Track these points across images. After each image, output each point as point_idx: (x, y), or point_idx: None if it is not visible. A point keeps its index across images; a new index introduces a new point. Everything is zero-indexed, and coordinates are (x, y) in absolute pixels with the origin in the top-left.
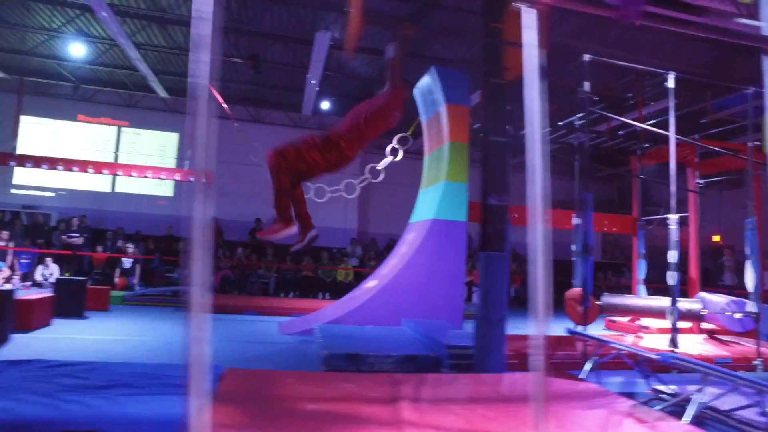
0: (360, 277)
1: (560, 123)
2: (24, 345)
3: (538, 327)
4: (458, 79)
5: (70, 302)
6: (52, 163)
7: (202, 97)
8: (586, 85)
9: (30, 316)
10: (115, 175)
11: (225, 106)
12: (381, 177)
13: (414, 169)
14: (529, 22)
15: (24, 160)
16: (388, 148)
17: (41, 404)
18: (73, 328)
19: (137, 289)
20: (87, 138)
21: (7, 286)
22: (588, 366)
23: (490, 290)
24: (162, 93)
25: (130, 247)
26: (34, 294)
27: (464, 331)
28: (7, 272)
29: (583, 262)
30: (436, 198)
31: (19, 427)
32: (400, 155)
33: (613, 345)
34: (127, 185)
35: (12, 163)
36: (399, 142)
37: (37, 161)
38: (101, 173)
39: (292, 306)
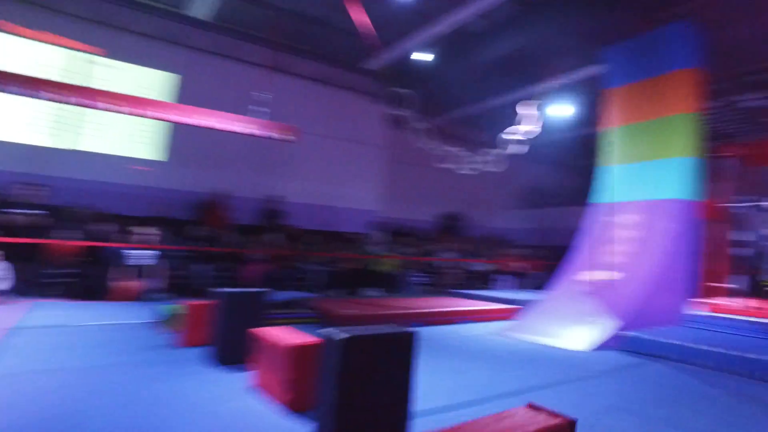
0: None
1: None
2: None
3: None
4: (689, 37)
5: None
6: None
7: None
8: None
9: None
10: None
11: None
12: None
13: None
14: None
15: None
16: None
17: None
18: None
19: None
20: (34, 63)
21: None
22: None
23: None
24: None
25: (154, 233)
26: None
27: None
28: None
29: None
30: (672, 176)
31: None
32: None
33: None
34: (93, 141)
35: None
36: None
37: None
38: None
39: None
